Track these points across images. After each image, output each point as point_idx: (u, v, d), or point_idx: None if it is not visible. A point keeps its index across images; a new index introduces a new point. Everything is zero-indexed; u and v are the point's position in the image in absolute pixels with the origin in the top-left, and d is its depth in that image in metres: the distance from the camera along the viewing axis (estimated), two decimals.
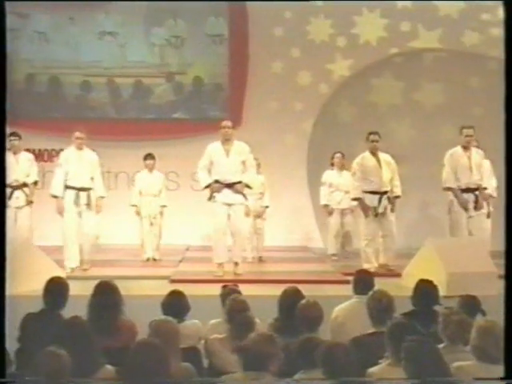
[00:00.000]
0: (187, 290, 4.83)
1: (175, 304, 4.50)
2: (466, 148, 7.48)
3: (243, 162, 7.31)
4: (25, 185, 8.05)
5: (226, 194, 7.22)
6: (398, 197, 7.73)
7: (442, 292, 4.76)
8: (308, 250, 10.02)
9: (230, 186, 7.23)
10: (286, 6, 10.30)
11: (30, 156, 8.37)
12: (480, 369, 3.28)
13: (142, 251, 8.79)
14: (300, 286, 4.59)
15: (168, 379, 3.18)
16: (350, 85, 10.70)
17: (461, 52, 10.43)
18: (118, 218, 9.67)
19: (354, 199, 7.86)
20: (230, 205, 7.25)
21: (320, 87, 10.68)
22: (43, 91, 10.70)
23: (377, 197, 7.59)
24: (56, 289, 4.44)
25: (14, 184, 7.95)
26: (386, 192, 7.64)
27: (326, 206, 9.19)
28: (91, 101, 10.72)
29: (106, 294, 4.22)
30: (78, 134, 7.71)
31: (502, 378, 3.15)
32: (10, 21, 10.53)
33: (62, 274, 5.90)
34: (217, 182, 7.23)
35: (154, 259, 8.74)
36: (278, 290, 4.59)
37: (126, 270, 7.70)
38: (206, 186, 7.31)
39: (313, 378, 3.31)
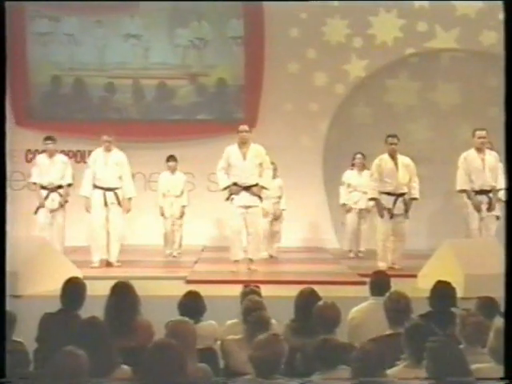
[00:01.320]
0: (203, 290, 4.85)
1: (191, 305, 4.51)
2: (479, 150, 7.59)
3: (260, 165, 7.55)
4: (60, 187, 8.39)
5: (244, 196, 7.47)
6: (414, 199, 7.83)
7: (459, 293, 4.74)
8: (324, 250, 10.00)
9: (247, 188, 7.47)
10: (301, 7, 10.28)
11: (65, 159, 8.70)
12: (498, 371, 3.25)
13: (163, 249, 9.01)
14: (316, 287, 4.59)
15: (184, 380, 3.18)
16: (366, 85, 10.66)
17: (478, 52, 10.34)
18: (137, 219, 9.73)
19: (371, 199, 8.02)
20: (246, 207, 7.49)
21: (336, 88, 10.64)
22: (68, 93, 10.70)
23: (392, 198, 7.73)
24: (73, 289, 4.47)
25: (50, 186, 8.34)
26: (402, 194, 7.76)
27: (344, 205, 9.36)
28: (115, 102, 10.73)
29: (123, 295, 4.24)
30: (105, 137, 8.09)
31: (501, 378, 3.13)
32: (39, 24, 10.65)
33: (79, 274, 5.93)
34: (235, 184, 7.47)
35: (175, 256, 8.99)
36: (294, 291, 4.59)
37: (143, 271, 7.74)
38: (225, 188, 7.55)
39: (330, 378, 3.30)
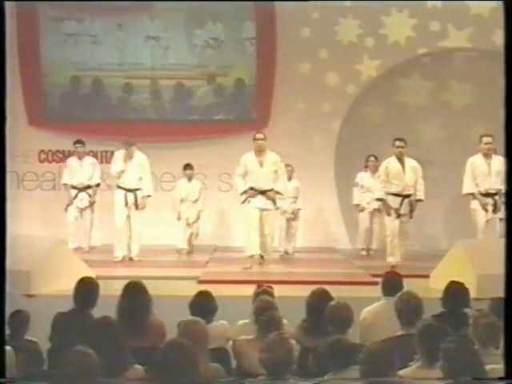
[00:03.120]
0: (215, 290, 4.85)
1: (203, 304, 4.52)
2: (486, 155, 7.89)
3: (275, 171, 7.96)
4: (88, 187, 9.05)
5: (259, 200, 7.89)
6: (420, 200, 8.09)
7: (472, 294, 4.71)
8: (335, 251, 9.98)
9: (263, 192, 7.89)
10: (313, 7, 10.25)
11: (94, 161, 9.34)
12: None
13: (175, 249, 9.28)
14: (328, 287, 4.58)
15: (196, 379, 3.19)
16: (378, 85, 10.62)
17: (491, 51, 10.26)
18: (149, 219, 9.76)
19: (378, 199, 8.34)
20: (262, 209, 7.91)
21: (348, 88, 10.61)
22: (86, 93, 10.70)
23: (399, 199, 7.98)
24: (86, 289, 4.49)
25: (79, 186, 9.02)
26: (408, 195, 8.02)
27: (358, 205, 9.60)
28: (133, 103, 10.73)
29: (135, 294, 4.26)
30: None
31: (501, 378, 3.12)
32: (58, 25, 10.66)
33: (91, 274, 5.96)
34: (252, 188, 7.89)
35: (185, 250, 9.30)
36: (306, 291, 4.59)
37: (155, 271, 7.75)
38: (243, 193, 7.96)
39: (342, 378, 3.30)
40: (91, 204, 9.10)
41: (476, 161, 7.93)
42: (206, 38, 10.67)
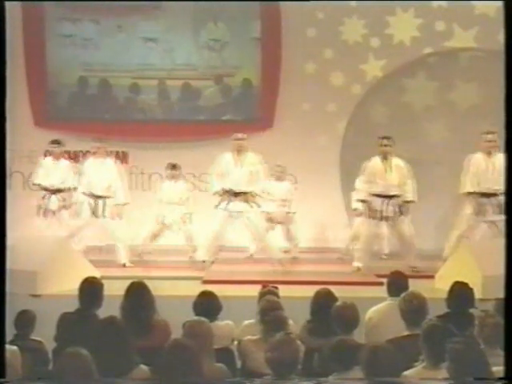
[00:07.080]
0: (220, 290, 4.86)
1: (206, 304, 4.53)
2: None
3: (254, 172, 7.75)
4: (61, 190, 8.61)
5: (235, 203, 7.67)
6: (409, 201, 7.72)
7: (477, 294, 4.71)
8: (340, 251, 9.96)
9: (239, 194, 7.67)
10: (318, 7, 10.25)
11: (68, 163, 8.95)
12: None
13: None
14: (332, 288, 4.58)
15: (201, 379, 3.20)
16: (383, 85, 10.60)
17: (497, 51, 10.20)
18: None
19: (360, 201, 8.06)
20: (239, 213, 7.70)
21: (353, 88, 10.59)
22: (93, 94, 10.68)
23: (381, 200, 7.67)
24: (90, 289, 4.49)
25: (51, 188, 8.59)
26: (393, 196, 7.67)
27: (355, 209, 9.12)
28: (140, 103, 10.71)
29: (138, 295, 4.26)
30: (98, 144, 8.45)
31: (501, 378, 3.12)
32: (63, 26, 10.66)
33: (97, 274, 5.97)
34: (228, 190, 7.68)
35: None
36: (310, 292, 4.59)
37: (160, 271, 7.76)
38: (216, 193, 7.76)
39: (347, 378, 3.30)
40: (65, 206, 8.60)
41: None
42: (213, 38, 10.66)
